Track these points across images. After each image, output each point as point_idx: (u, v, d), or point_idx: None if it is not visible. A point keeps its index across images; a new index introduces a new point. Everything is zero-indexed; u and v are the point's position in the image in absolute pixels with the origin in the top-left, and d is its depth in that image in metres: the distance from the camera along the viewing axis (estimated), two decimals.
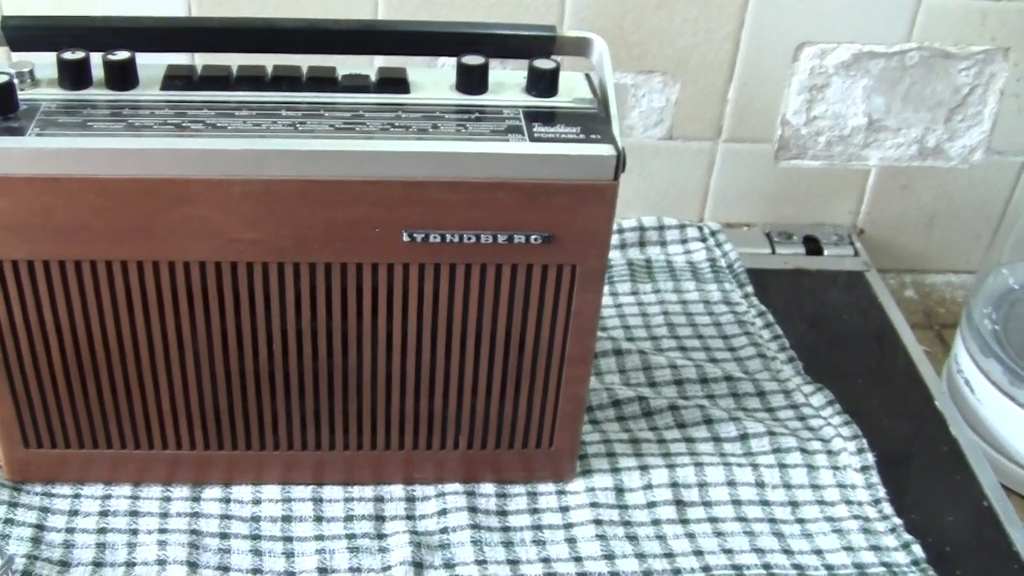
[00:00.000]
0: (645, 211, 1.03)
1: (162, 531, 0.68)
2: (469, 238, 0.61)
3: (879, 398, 0.85)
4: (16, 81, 0.60)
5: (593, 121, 0.62)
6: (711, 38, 0.96)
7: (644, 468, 0.75)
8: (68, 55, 0.61)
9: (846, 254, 1.04)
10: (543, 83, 0.63)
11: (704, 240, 1.00)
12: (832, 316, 0.96)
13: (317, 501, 0.71)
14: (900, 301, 1.02)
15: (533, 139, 0.60)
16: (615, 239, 0.99)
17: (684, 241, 1.00)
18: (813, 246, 1.04)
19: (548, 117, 0.62)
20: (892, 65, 0.98)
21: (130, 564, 0.66)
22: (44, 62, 0.62)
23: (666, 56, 0.96)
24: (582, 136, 0.60)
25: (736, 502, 0.73)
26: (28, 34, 0.62)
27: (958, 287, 1.10)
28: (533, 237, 0.62)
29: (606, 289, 0.93)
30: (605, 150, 0.60)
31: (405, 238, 0.61)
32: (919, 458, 0.81)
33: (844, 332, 0.94)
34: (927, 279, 1.11)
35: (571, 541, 0.70)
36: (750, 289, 0.95)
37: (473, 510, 0.71)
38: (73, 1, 0.89)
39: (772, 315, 0.92)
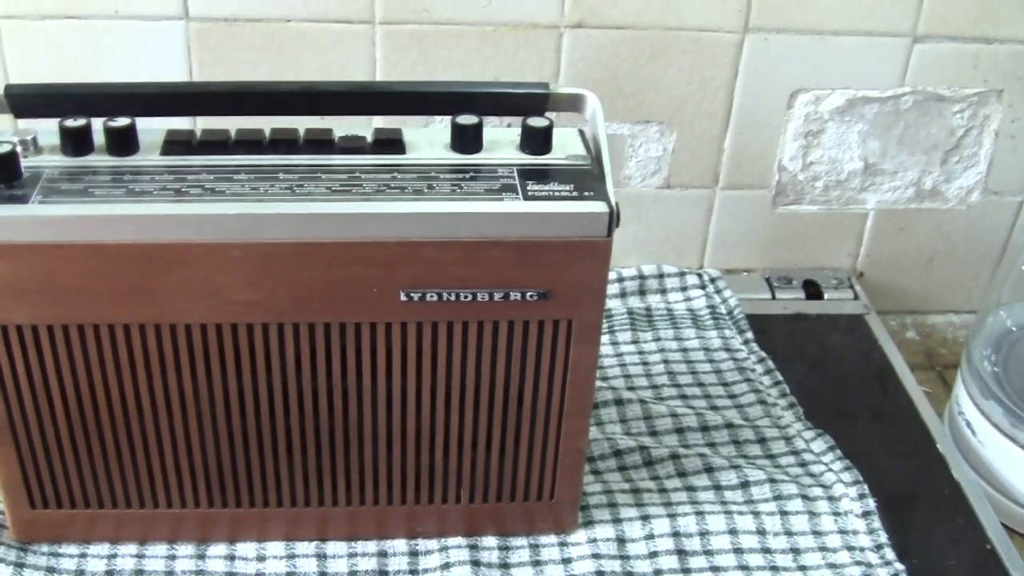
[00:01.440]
0: (645, 259, 1.04)
1: None
2: (465, 296, 0.62)
3: (881, 440, 0.86)
4: (19, 149, 0.61)
5: (586, 178, 0.62)
6: (706, 87, 0.97)
7: (646, 518, 0.75)
8: (70, 122, 0.62)
9: (846, 297, 1.04)
10: (536, 141, 0.64)
11: (704, 287, 1.01)
12: (833, 359, 0.96)
13: (321, 557, 0.71)
14: (901, 343, 1.02)
15: (527, 197, 0.61)
16: (615, 288, 1.00)
17: (684, 288, 1.01)
18: (813, 290, 1.05)
19: (542, 175, 0.63)
20: (886, 109, 0.99)
21: None
22: (47, 128, 0.63)
23: (662, 106, 0.97)
24: (575, 193, 0.61)
25: (738, 550, 0.73)
26: (31, 101, 0.62)
27: (959, 327, 1.10)
28: (528, 294, 0.62)
29: (607, 338, 0.94)
30: (598, 207, 0.60)
31: (402, 297, 0.62)
32: (921, 500, 0.81)
33: (845, 375, 0.94)
34: (928, 320, 1.11)
35: None
36: (750, 335, 0.96)
37: (476, 563, 0.71)
38: (75, 67, 0.91)
39: (773, 360, 0.92)
